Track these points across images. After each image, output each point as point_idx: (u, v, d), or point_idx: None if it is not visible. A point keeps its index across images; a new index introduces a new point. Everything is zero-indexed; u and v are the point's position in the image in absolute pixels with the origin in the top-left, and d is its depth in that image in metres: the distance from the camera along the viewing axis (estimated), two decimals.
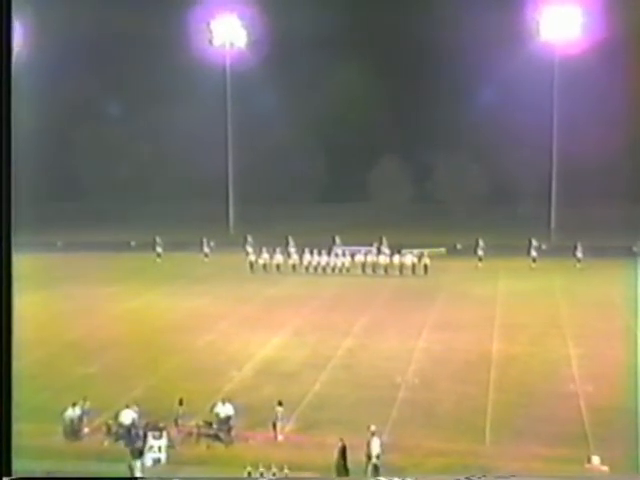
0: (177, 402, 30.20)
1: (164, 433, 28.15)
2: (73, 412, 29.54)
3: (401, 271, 63.59)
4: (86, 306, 51.83)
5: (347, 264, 64.51)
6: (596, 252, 64.71)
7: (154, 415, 29.40)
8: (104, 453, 28.14)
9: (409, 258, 64.21)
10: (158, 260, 70.91)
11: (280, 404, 29.62)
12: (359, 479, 26.23)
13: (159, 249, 71.99)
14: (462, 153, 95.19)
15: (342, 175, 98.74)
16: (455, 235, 74.66)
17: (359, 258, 65.04)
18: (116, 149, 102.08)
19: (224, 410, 29.61)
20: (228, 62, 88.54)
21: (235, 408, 29.69)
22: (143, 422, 28.95)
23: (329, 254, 65.53)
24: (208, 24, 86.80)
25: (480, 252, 67.21)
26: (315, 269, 64.93)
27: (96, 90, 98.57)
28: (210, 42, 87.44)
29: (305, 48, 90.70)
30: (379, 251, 65.87)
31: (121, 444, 28.55)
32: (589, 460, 26.66)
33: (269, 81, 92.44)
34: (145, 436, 28.06)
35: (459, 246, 72.18)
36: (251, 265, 65.72)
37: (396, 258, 64.35)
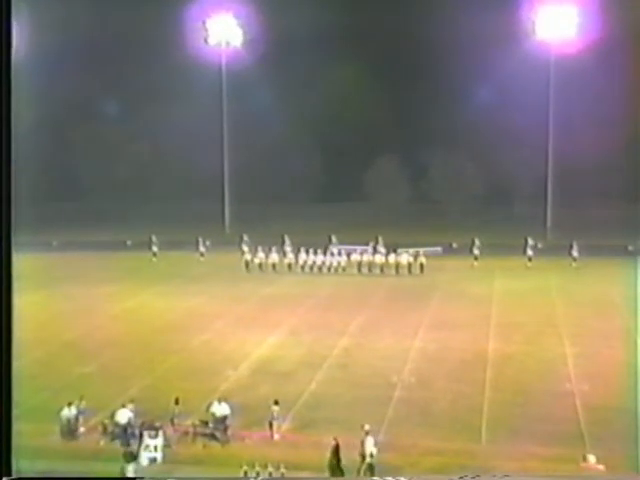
0: (173, 401, 30.19)
1: (160, 432, 28.14)
2: (69, 412, 29.55)
3: (397, 270, 63.59)
4: (83, 306, 51.80)
5: (343, 263, 64.50)
6: (592, 251, 64.80)
7: (150, 414, 29.39)
8: (100, 452, 28.15)
9: (405, 257, 64.22)
10: (154, 259, 70.85)
11: (276, 403, 29.66)
12: (354, 479, 26.27)
13: (155, 248, 71.92)
14: (458, 152, 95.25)
15: (338, 174, 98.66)
16: (451, 234, 74.66)
17: (355, 257, 65.04)
18: (111, 148, 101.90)
19: (220, 409, 29.64)
20: (224, 61, 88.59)
21: (231, 407, 29.72)
22: (139, 421, 28.98)
23: (325, 253, 65.55)
24: (204, 23, 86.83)
25: (476, 251, 67.24)
26: (311, 268, 64.89)
27: (91, 89, 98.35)
28: (206, 41, 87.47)
29: (301, 47, 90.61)
30: (375, 250, 65.87)
31: (117, 443, 28.57)
32: (585, 459, 26.73)
33: (265, 80, 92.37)
34: (141, 435, 28.08)
35: (455, 245, 72.20)
36: (247, 264, 65.67)
37: (392, 257, 64.36)
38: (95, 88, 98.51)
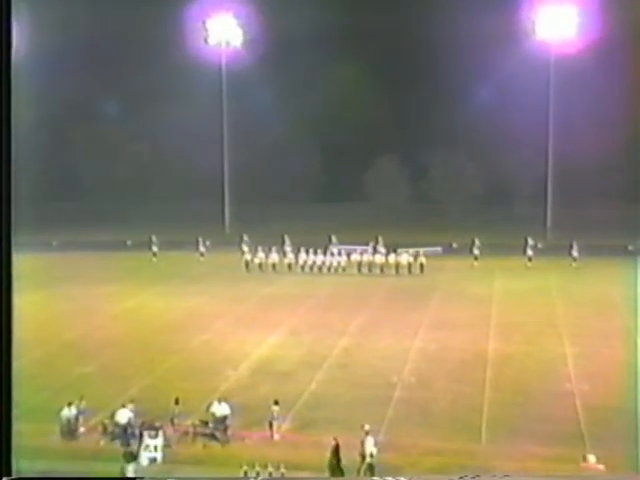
0: (173, 401, 30.20)
1: (160, 432, 28.15)
2: (69, 412, 29.55)
3: (397, 270, 63.58)
4: (83, 306, 51.79)
5: (343, 263, 64.49)
6: (592, 251, 64.80)
7: (150, 414, 29.40)
8: (100, 452, 28.15)
9: (405, 257, 64.21)
10: (154, 259, 70.85)
11: (276, 403, 29.67)
12: (354, 479, 26.27)
13: (155, 248, 71.91)
14: (458, 152, 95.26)
15: (338, 174, 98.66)
16: (451, 234, 74.66)
17: (355, 257, 65.04)
18: (111, 148, 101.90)
19: (220, 409, 29.64)
20: (224, 61, 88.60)
21: (231, 407, 29.72)
22: (139, 421, 28.98)
23: (325, 253, 65.54)
24: (204, 23, 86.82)
25: (476, 251, 67.24)
26: (311, 268, 64.87)
27: (91, 89, 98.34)
28: (206, 41, 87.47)
29: (301, 47, 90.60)
30: (375, 250, 65.86)
31: (117, 443, 28.58)
32: (585, 459, 26.74)
33: (265, 80, 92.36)
34: (141, 435, 28.09)
35: (455, 245, 72.18)
36: (247, 264, 65.66)
37: (392, 257, 64.35)
38: (95, 88, 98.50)
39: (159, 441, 27.96)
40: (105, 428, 29.52)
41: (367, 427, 26.89)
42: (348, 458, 26.12)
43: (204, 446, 28.80)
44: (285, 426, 30.05)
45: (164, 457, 27.77)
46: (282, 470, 25.59)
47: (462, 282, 59.38)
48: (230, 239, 75.93)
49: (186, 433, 29.44)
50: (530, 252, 66.84)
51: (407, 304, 52.23)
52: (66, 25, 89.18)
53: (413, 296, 54.92)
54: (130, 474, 26.37)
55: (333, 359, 39.64)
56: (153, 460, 27.63)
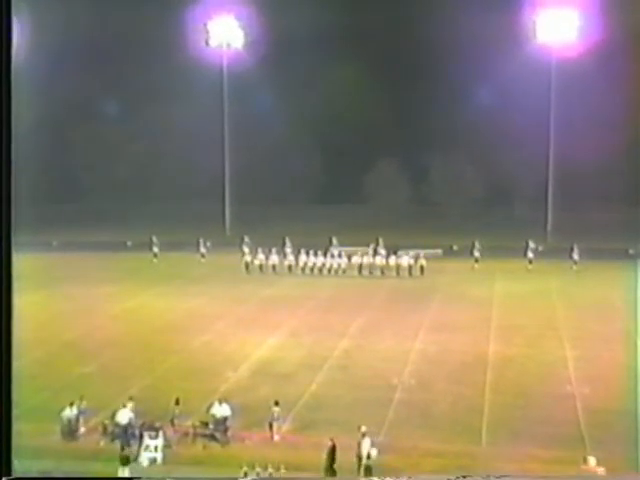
0: (173, 402, 30.20)
1: (160, 433, 28.16)
2: (70, 412, 29.54)
3: (397, 272, 63.57)
4: (83, 306, 51.80)
5: (343, 265, 64.47)
6: (592, 254, 64.79)
7: (150, 415, 29.39)
8: (100, 453, 28.12)
9: (405, 259, 64.19)
10: (154, 260, 70.85)
11: (276, 404, 29.65)
12: (354, 479, 26.25)
13: (155, 249, 71.94)
14: (459, 155, 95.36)
15: (339, 176, 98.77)
16: (451, 236, 74.72)
17: (355, 259, 65.02)
18: (112, 149, 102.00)
19: (220, 410, 29.62)
20: (225, 62, 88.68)
21: (232, 408, 29.70)
22: (139, 422, 28.97)
23: (325, 255, 65.53)
24: (205, 25, 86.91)
25: (476, 253, 67.25)
26: (311, 270, 64.87)
27: (92, 90, 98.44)
28: (207, 43, 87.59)
29: (302, 49, 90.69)
30: (375, 252, 65.85)
31: (117, 444, 28.55)
32: (585, 461, 26.69)
33: (266, 82, 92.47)
34: (141, 436, 28.09)
35: (455, 247, 72.13)
36: (247, 266, 65.64)
37: (392, 259, 64.33)
38: (96, 89, 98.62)
39: (159, 441, 27.97)
40: (105, 428, 29.52)
41: (364, 428, 26.85)
42: (348, 460, 26.09)
43: (204, 447, 28.79)
44: (285, 427, 30.05)
45: (164, 457, 27.76)
46: (282, 471, 25.58)
47: (462, 284, 59.36)
48: (231, 240, 75.97)
49: (186, 434, 29.44)
50: (531, 255, 66.83)
51: (407, 306, 52.22)
52: (67, 26, 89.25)
53: (413, 298, 54.89)
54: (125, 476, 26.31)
55: (333, 360, 39.61)
56: (153, 460, 27.63)
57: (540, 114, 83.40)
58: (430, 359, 39.91)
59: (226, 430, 29.26)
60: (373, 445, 26.57)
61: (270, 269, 65.15)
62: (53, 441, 28.99)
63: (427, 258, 64.40)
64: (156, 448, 27.83)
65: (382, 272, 63.86)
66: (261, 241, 68.44)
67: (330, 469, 26.04)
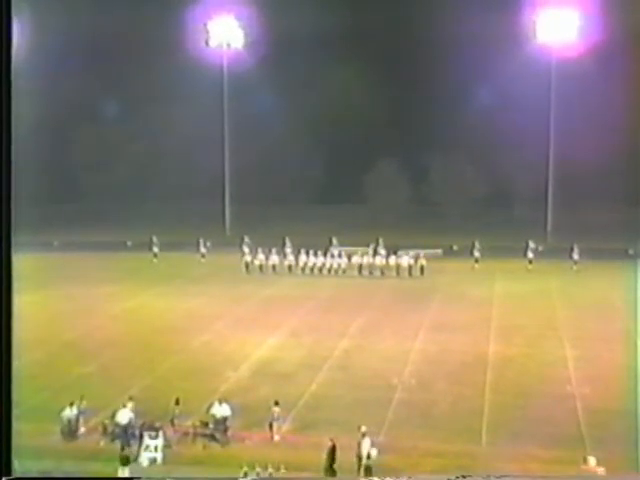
0: (173, 402, 30.20)
1: (160, 433, 28.15)
2: (70, 412, 29.53)
3: (397, 272, 63.56)
4: (83, 306, 51.82)
5: (343, 265, 64.47)
6: (592, 254, 64.84)
7: (150, 415, 29.39)
8: (101, 453, 28.12)
9: (405, 259, 64.19)
10: (154, 260, 70.86)
11: (277, 404, 29.65)
12: (354, 479, 26.25)
13: (155, 249, 71.96)
14: (459, 155, 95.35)
15: (339, 176, 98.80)
16: (451, 236, 74.77)
17: (355, 259, 65.02)
18: (112, 149, 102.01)
19: (220, 410, 29.62)
20: (225, 63, 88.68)
21: (232, 408, 29.70)
22: (139, 422, 28.96)
23: (325, 255, 65.52)
24: (205, 25, 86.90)
25: (476, 253, 67.27)
26: (311, 270, 64.87)
27: (93, 91, 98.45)
28: (207, 43, 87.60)
29: (302, 49, 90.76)
30: (375, 252, 65.85)
31: (117, 444, 28.55)
32: (585, 461, 26.67)
33: (266, 82, 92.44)
34: (141, 436, 28.09)
35: (455, 247, 72.13)
36: (247, 266, 65.65)
37: (392, 259, 64.33)
38: (96, 89, 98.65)
39: (159, 441, 27.97)
40: (105, 428, 29.52)
41: (364, 428, 26.85)
42: (348, 460, 26.09)
43: (204, 447, 28.79)
44: (285, 427, 30.06)
45: (164, 457, 27.76)
46: (282, 471, 25.57)
47: (462, 284, 59.38)
48: (231, 240, 75.99)
49: (186, 434, 29.45)
50: (531, 255, 66.83)
51: (407, 306, 52.23)
52: (67, 26, 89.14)
53: (413, 298, 54.90)
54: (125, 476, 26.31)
55: (333, 361, 39.61)
56: (153, 460, 27.63)
57: (540, 114, 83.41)
58: (430, 359, 39.91)
59: (226, 430, 29.26)
60: (373, 445, 26.59)
61: (270, 269, 65.16)
62: (53, 441, 29.00)
63: (427, 258, 64.41)
64: (156, 448, 27.83)
65: (382, 272, 63.86)
66: (261, 241, 68.47)
67: (330, 469, 26.04)
